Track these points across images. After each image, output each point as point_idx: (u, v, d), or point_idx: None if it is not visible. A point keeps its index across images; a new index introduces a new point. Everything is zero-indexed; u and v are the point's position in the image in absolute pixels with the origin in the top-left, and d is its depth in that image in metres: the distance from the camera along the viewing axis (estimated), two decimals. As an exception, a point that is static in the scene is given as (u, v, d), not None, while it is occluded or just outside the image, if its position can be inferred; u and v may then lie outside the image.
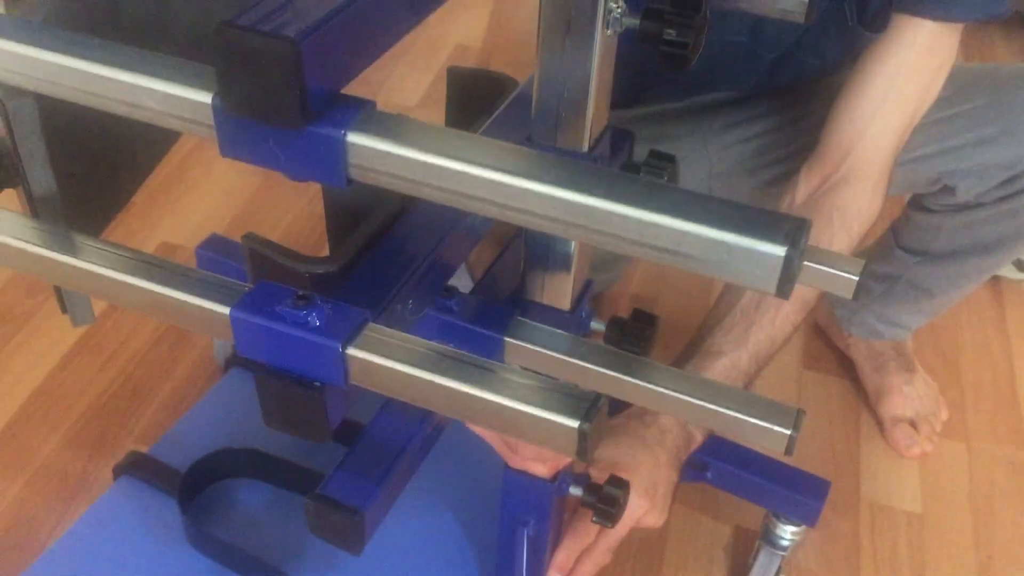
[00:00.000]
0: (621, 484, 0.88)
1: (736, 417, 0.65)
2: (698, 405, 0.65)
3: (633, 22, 0.60)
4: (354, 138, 0.49)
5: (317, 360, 0.54)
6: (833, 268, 0.72)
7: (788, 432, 0.63)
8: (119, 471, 1.05)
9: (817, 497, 1.08)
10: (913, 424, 1.36)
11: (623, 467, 0.90)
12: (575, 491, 0.90)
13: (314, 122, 0.49)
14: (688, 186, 1.21)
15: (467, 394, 0.52)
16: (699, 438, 0.99)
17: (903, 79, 0.95)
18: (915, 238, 1.24)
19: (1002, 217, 1.11)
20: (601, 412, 0.51)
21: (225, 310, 0.54)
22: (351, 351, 0.53)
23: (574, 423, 0.50)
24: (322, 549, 0.99)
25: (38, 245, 0.58)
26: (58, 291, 0.74)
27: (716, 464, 1.10)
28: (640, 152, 0.75)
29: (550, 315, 0.74)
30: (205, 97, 0.50)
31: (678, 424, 0.97)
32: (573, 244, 0.70)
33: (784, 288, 0.43)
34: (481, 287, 0.77)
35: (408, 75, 2.11)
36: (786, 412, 0.64)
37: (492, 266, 0.77)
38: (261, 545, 0.98)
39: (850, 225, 0.97)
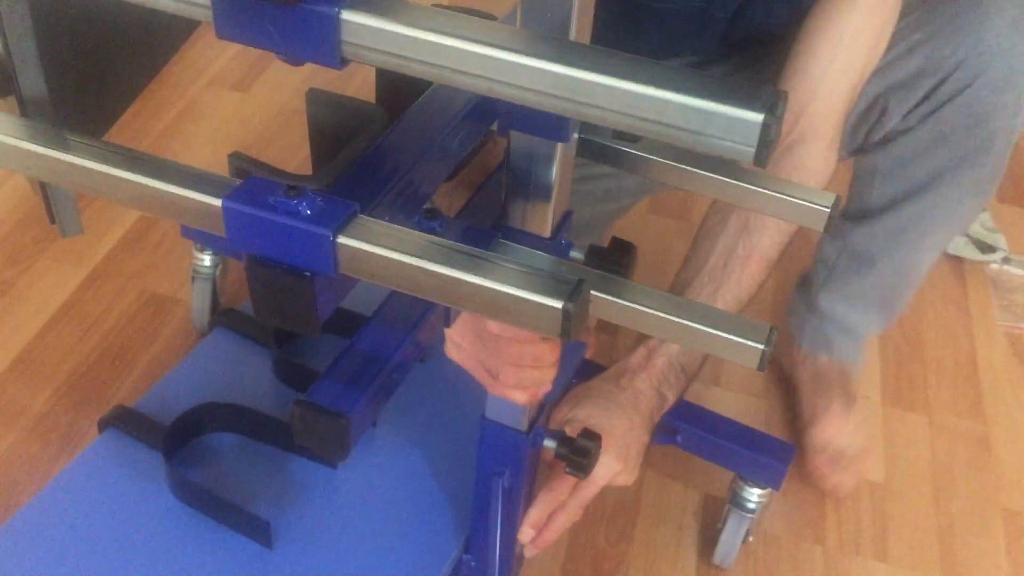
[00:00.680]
0: (593, 436, 0.91)
1: (713, 334, 0.66)
2: (676, 323, 0.66)
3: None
4: (348, 16, 0.51)
5: (308, 249, 0.55)
6: (806, 200, 0.75)
7: (762, 347, 0.65)
8: (104, 424, 1.06)
9: (782, 460, 1.11)
10: (837, 457, 1.32)
11: (596, 428, 0.93)
12: (549, 444, 0.93)
13: (309, -1, 0.50)
14: None
15: (456, 279, 0.54)
16: (671, 400, 1.02)
17: (849, 39, 0.97)
18: (854, 196, 1.23)
19: (930, 145, 1.10)
20: (584, 294, 0.53)
21: (217, 201, 0.56)
22: (342, 239, 0.55)
23: (558, 303, 0.52)
24: (302, 501, 1.02)
25: (31, 142, 0.59)
26: (47, 201, 0.74)
27: (685, 428, 1.13)
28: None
29: (531, 240, 0.76)
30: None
31: (652, 387, 1.00)
32: (554, 172, 0.72)
33: (762, 154, 0.45)
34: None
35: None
36: (760, 329, 0.66)
37: (468, 204, 0.79)
38: (243, 496, 0.99)
39: (807, 181, 0.98)
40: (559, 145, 0.70)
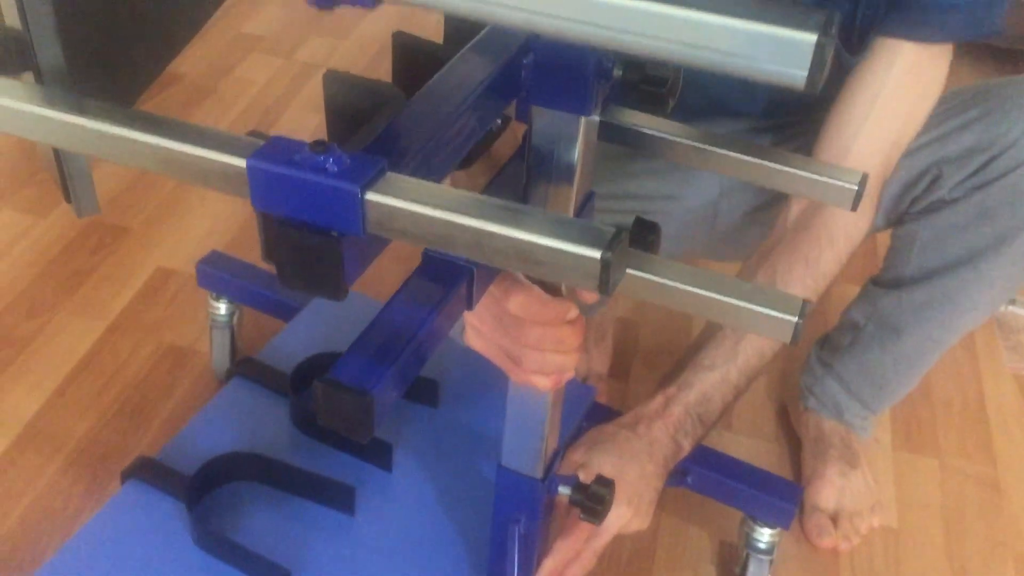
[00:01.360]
0: (607, 483, 0.91)
1: (744, 307, 0.64)
2: (706, 297, 0.65)
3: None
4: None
5: (335, 207, 0.54)
6: (832, 178, 0.76)
7: (795, 319, 0.63)
8: (127, 475, 1.07)
9: (790, 500, 1.13)
10: (834, 518, 1.32)
11: (609, 475, 0.94)
12: (564, 490, 0.94)
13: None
14: (698, 205, 1.25)
15: (490, 232, 0.52)
16: (686, 448, 1.03)
17: (883, 101, 0.99)
18: (890, 264, 1.24)
19: (974, 219, 1.11)
20: (623, 244, 0.52)
21: (241, 161, 0.55)
22: (370, 196, 0.53)
23: (596, 252, 0.51)
24: (321, 548, 1.03)
25: (50, 107, 0.58)
26: (63, 179, 0.74)
27: (695, 469, 1.14)
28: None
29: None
30: None
31: (668, 436, 1.01)
32: (577, 150, 0.71)
33: (815, 77, 0.44)
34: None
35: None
36: (792, 301, 0.64)
37: (487, 189, 0.78)
38: (264, 545, 1.00)
39: (835, 242, 1.00)
40: (582, 121, 0.70)
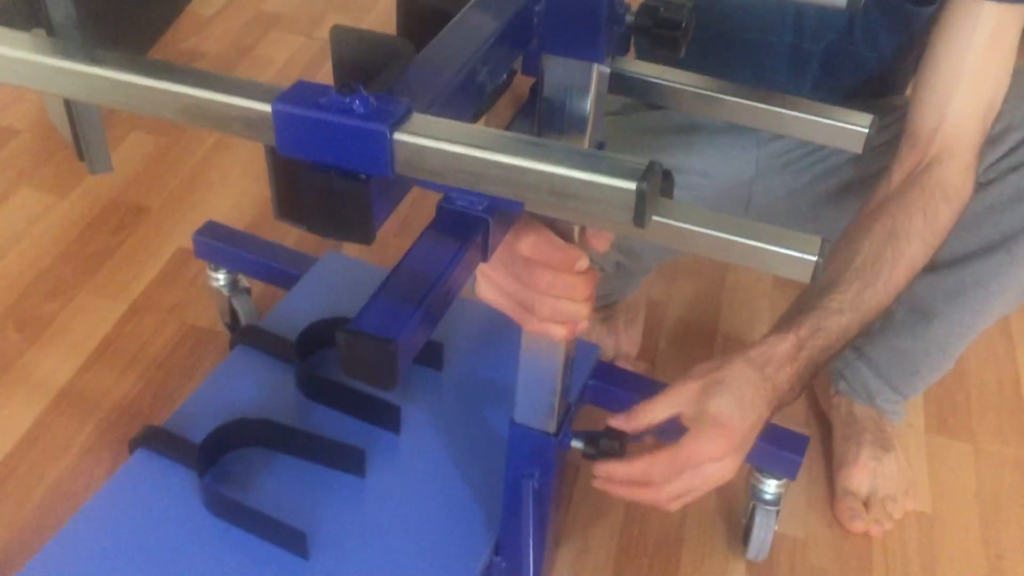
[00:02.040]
0: (619, 436, 0.89)
1: (763, 248, 0.63)
2: (725, 239, 0.64)
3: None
4: None
5: (363, 148, 0.54)
6: (842, 121, 0.75)
7: (814, 259, 0.62)
8: (135, 444, 1.06)
9: (796, 451, 1.11)
10: (866, 502, 1.30)
11: (723, 421, 0.86)
12: (576, 444, 0.92)
13: None
14: (732, 184, 1.22)
15: (522, 167, 0.52)
16: (792, 400, 0.94)
17: (972, 62, 0.96)
18: None
19: (1008, 201, 1.09)
20: (657, 177, 0.51)
21: (266, 106, 0.55)
22: (399, 136, 0.53)
23: (631, 184, 0.51)
24: (333, 510, 1.02)
25: (65, 58, 0.58)
26: (76, 137, 0.74)
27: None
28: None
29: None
30: None
31: (791, 384, 0.92)
32: (589, 99, 0.71)
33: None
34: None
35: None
36: (811, 241, 0.63)
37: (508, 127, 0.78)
38: (279, 510, 0.99)
39: (950, 199, 0.97)
40: (594, 69, 0.69)
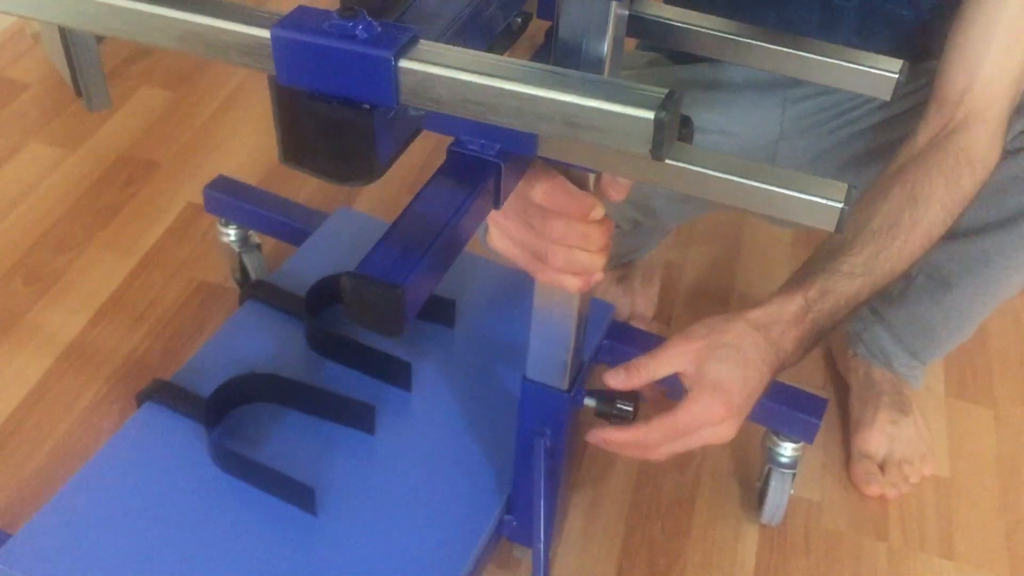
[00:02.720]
0: (634, 396, 0.88)
1: (788, 195, 0.61)
2: (747, 185, 0.62)
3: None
4: None
5: (367, 76, 0.52)
6: (872, 67, 0.73)
7: (840, 205, 0.60)
8: (142, 398, 1.05)
9: (815, 414, 1.09)
10: (882, 465, 1.29)
11: (723, 385, 0.84)
12: (589, 402, 0.91)
13: None
14: (756, 145, 1.19)
15: (534, 96, 0.50)
16: (795, 362, 0.91)
17: (1005, 27, 0.93)
18: None
19: None
20: (676, 106, 0.49)
21: (265, 32, 0.53)
22: (404, 63, 0.51)
23: (649, 113, 0.48)
24: (343, 467, 1.01)
25: None
26: (73, 72, 0.72)
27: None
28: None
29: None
30: None
31: (795, 348, 0.89)
32: (607, 40, 0.68)
33: None
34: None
35: None
36: (837, 187, 0.61)
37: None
38: (284, 464, 0.98)
39: (974, 166, 0.94)
40: (612, 8, 0.66)
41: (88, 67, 0.74)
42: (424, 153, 1.49)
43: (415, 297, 0.56)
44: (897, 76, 0.74)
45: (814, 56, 0.75)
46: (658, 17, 0.78)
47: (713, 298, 1.54)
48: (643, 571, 1.17)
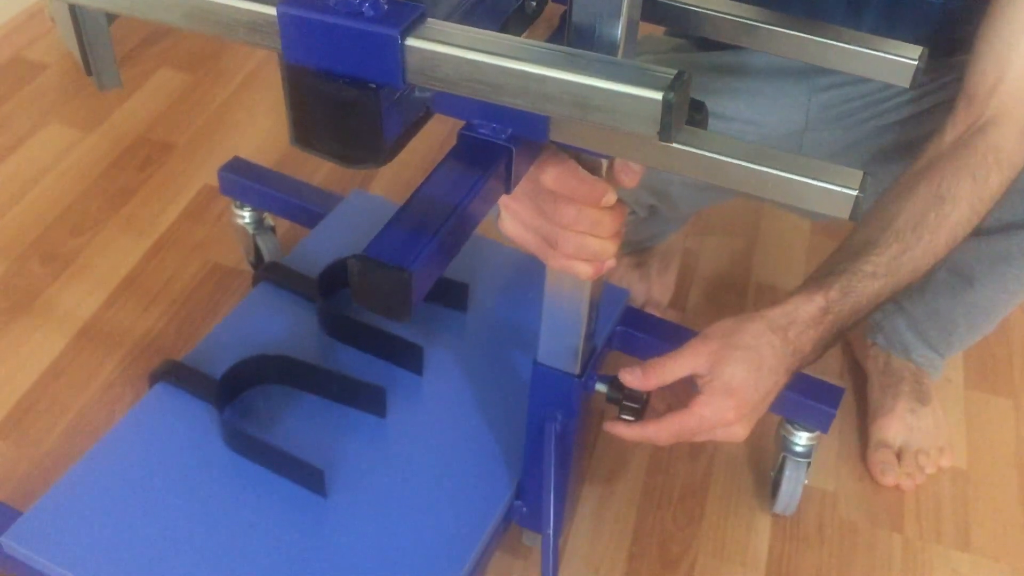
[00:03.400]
0: None
1: (801, 181, 0.61)
2: (760, 171, 0.61)
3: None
4: None
5: (373, 54, 0.51)
6: (891, 53, 0.72)
7: (855, 192, 0.60)
8: (155, 378, 1.05)
9: (830, 403, 1.08)
10: (898, 455, 1.28)
11: (737, 388, 0.83)
12: (601, 388, 0.90)
13: None
14: (781, 135, 1.17)
15: (542, 76, 0.50)
16: (813, 360, 0.90)
17: None
18: None
19: None
20: (686, 87, 0.49)
21: (271, 9, 0.53)
22: (411, 41, 0.51)
23: (657, 94, 0.48)
24: (353, 450, 1.01)
25: None
26: (83, 51, 0.72)
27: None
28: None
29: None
30: None
31: (812, 348, 0.88)
32: (620, 28, 0.66)
33: None
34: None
35: None
36: (852, 174, 0.61)
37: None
38: (294, 446, 0.98)
39: (1002, 164, 0.92)
40: None
41: (98, 46, 0.74)
42: (441, 137, 1.48)
43: (423, 281, 0.55)
44: (916, 63, 0.72)
45: (833, 42, 0.74)
46: (674, 1, 0.77)
47: (730, 287, 1.53)
48: (654, 559, 1.17)
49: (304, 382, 1.05)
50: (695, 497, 1.24)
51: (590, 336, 0.88)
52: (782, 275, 1.55)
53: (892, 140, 1.16)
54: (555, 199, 0.72)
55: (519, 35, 0.78)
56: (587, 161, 0.71)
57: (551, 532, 0.97)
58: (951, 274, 1.19)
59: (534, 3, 0.77)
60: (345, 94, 0.53)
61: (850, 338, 1.42)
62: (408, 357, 1.08)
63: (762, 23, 0.76)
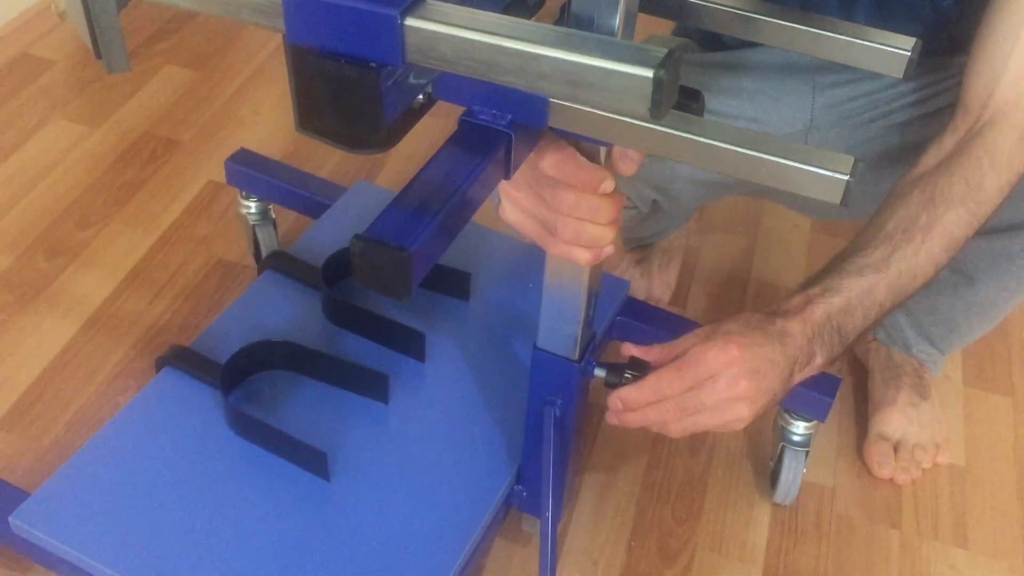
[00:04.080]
0: (643, 365, 0.88)
1: (791, 166, 0.62)
2: (752, 156, 0.62)
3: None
4: None
5: (373, 33, 0.52)
6: (884, 44, 0.73)
7: (845, 178, 0.61)
8: (162, 363, 1.06)
9: (827, 393, 1.09)
10: (896, 448, 1.28)
11: (735, 333, 0.84)
12: (599, 373, 0.91)
13: None
14: (785, 134, 1.17)
15: (536, 55, 0.51)
16: (819, 362, 0.90)
17: None
18: None
19: None
20: (676, 65, 0.50)
21: None
22: (410, 21, 0.52)
23: (648, 72, 0.49)
24: (355, 435, 1.02)
25: None
26: (92, 35, 0.73)
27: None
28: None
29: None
30: None
31: (804, 335, 0.88)
32: (617, 19, 0.67)
33: None
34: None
35: None
36: (843, 159, 0.61)
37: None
38: (298, 431, 0.99)
39: (999, 168, 0.92)
40: None
41: (107, 29, 0.75)
42: (445, 132, 1.49)
43: (423, 261, 0.56)
44: (909, 54, 0.73)
45: (828, 33, 0.76)
46: None
47: (730, 284, 1.54)
48: (653, 552, 1.17)
49: (308, 368, 1.06)
50: (694, 491, 1.24)
51: (589, 322, 0.89)
52: (782, 273, 1.55)
53: (897, 142, 1.17)
54: (554, 186, 0.73)
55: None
56: (586, 149, 0.72)
57: (549, 515, 0.98)
58: (953, 272, 1.20)
59: None
60: (345, 73, 0.54)
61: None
62: (411, 344, 1.09)
63: (757, 14, 0.77)
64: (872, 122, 1.18)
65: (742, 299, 1.50)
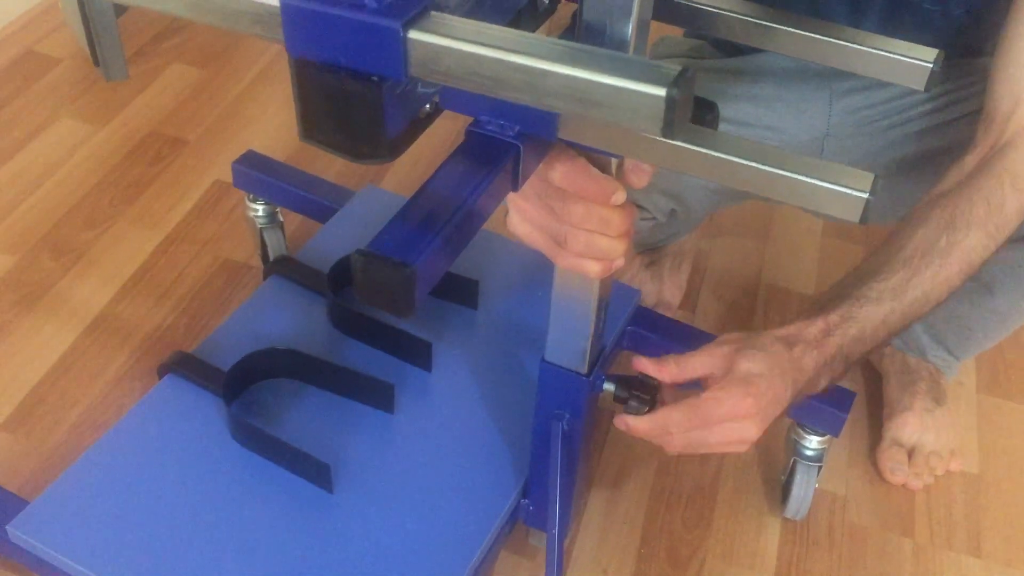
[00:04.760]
0: (652, 389, 0.87)
1: (809, 183, 0.60)
2: (769, 172, 0.61)
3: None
4: None
5: (375, 46, 0.51)
6: (906, 55, 0.71)
7: (865, 195, 0.59)
8: (164, 370, 1.05)
9: (841, 408, 1.08)
10: (911, 454, 1.27)
11: (753, 380, 0.83)
12: (608, 387, 0.90)
13: None
14: (802, 141, 1.16)
15: (544, 71, 0.49)
16: (822, 387, 0.91)
17: None
18: None
19: None
20: (690, 84, 0.48)
21: (275, 0, 0.53)
22: (413, 34, 0.51)
23: (660, 90, 0.47)
24: (360, 446, 1.01)
25: None
26: (91, 42, 0.72)
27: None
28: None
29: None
30: None
31: (816, 369, 0.88)
32: (630, 27, 0.66)
33: None
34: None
35: None
36: (863, 177, 0.60)
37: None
38: (302, 441, 0.98)
39: (1019, 187, 0.91)
40: None
41: (106, 36, 0.74)
42: (454, 135, 1.48)
43: (427, 277, 0.55)
44: (931, 66, 0.71)
45: (848, 44, 0.74)
46: (686, 0, 0.76)
47: (740, 288, 1.52)
48: (662, 561, 1.16)
49: (312, 377, 1.05)
50: (704, 499, 1.23)
51: (598, 335, 0.87)
52: (793, 277, 1.54)
53: (915, 150, 1.15)
54: (564, 197, 0.71)
55: (531, 32, 0.78)
56: (597, 159, 0.71)
57: (556, 531, 0.97)
58: (971, 280, 1.19)
59: (546, 0, 0.76)
60: (348, 86, 0.53)
61: None
62: (417, 353, 1.08)
63: (774, 23, 0.76)
64: (889, 129, 1.16)
65: (752, 304, 1.49)
